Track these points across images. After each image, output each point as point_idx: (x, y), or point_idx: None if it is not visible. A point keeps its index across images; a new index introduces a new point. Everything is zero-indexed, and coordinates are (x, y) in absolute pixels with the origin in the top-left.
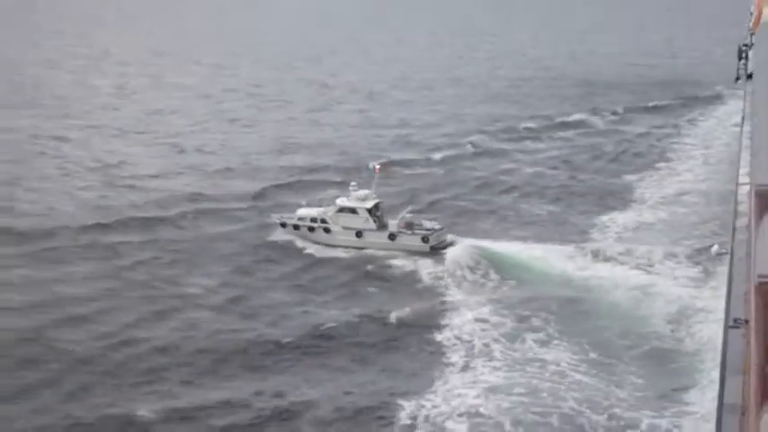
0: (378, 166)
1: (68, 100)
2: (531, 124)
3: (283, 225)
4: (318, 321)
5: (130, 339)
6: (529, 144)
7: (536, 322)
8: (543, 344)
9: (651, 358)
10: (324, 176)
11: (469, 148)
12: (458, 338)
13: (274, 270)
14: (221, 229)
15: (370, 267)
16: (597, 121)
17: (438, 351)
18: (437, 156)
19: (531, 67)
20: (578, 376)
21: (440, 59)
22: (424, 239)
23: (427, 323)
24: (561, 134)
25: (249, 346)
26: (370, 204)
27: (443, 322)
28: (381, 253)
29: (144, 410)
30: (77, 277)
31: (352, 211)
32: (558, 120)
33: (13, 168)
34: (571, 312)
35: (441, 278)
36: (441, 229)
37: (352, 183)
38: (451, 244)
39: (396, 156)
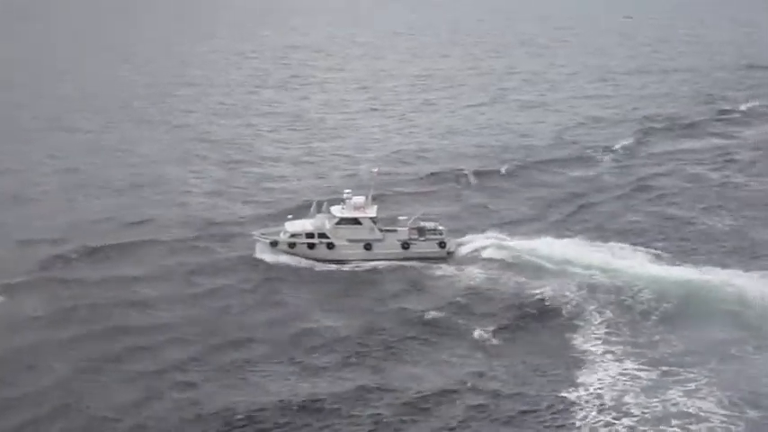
0: (376, 170)
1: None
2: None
3: (274, 244)
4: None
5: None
6: (714, 141)
7: (682, 366)
8: (689, 393)
9: None
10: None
11: (634, 145)
12: (588, 392)
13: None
14: None
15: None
16: None
17: (565, 407)
18: (594, 155)
19: (725, 57)
20: None
21: (629, 46)
22: (441, 245)
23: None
24: (745, 130)
25: None
26: (373, 213)
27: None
28: (398, 263)
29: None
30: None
31: (355, 221)
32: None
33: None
34: (730, 354)
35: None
36: (444, 231)
37: (347, 190)
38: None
39: (544, 154)
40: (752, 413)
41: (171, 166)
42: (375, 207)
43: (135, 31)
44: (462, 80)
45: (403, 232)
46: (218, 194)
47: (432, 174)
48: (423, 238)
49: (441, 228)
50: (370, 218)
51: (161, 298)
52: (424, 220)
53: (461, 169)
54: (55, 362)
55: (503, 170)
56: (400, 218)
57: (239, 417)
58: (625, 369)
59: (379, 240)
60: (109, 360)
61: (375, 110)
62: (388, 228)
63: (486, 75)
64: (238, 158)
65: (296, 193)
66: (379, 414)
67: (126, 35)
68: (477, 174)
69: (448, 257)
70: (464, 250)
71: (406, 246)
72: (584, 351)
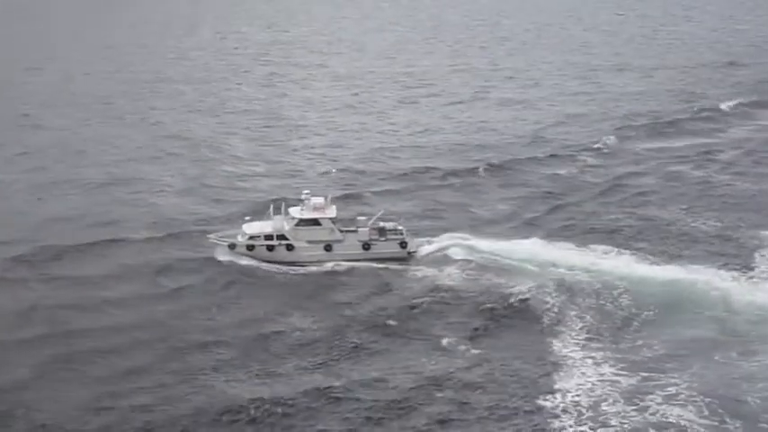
0: (334, 171)
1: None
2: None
3: (232, 246)
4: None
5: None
6: (696, 139)
7: (664, 372)
8: (670, 399)
9: None
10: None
11: (615, 143)
12: (566, 400)
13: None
14: None
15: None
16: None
17: (542, 417)
18: (574, 153)
19: (708, 54)
20: None
21: (613, 43)
22: (402, 245)
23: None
24: (727, 128)
25: None
26: (333, 213)
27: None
28: (360, 264)
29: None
30: None
31: (315, 222)
32: (724, 107)
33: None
34: (714, 360)
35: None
36: (404, 231)
37: (305, 190)
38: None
39: (523, 153)
40: (732, 423)
41: (144, 164)
42: (334, 207)
43: (121, 29)
44: (444, 77)
45: (363, 233)
46: (189, 194)
47: (408, 172)
48: (383, 239)
49: (401, 228)
50: (330, 218)
51: (124, 299)
52: (383, 220)
53: (439, 168)
54: (10, 364)
55: (480, 169)
56: (360, 218)
57: (204, 423)
58: (604, 374)
59: (339, 241)
60: (68, 363)
61: (354, 107)
62: (348, 228)
63: (468, 72)
64: (213, 157)
65: (268, 192)
66: (349, 426)
67: (111, 31)
68: (455, 172)
69: (409, 257)
70: (426, 250)
71: (366, 246)
72: (563, 356)
